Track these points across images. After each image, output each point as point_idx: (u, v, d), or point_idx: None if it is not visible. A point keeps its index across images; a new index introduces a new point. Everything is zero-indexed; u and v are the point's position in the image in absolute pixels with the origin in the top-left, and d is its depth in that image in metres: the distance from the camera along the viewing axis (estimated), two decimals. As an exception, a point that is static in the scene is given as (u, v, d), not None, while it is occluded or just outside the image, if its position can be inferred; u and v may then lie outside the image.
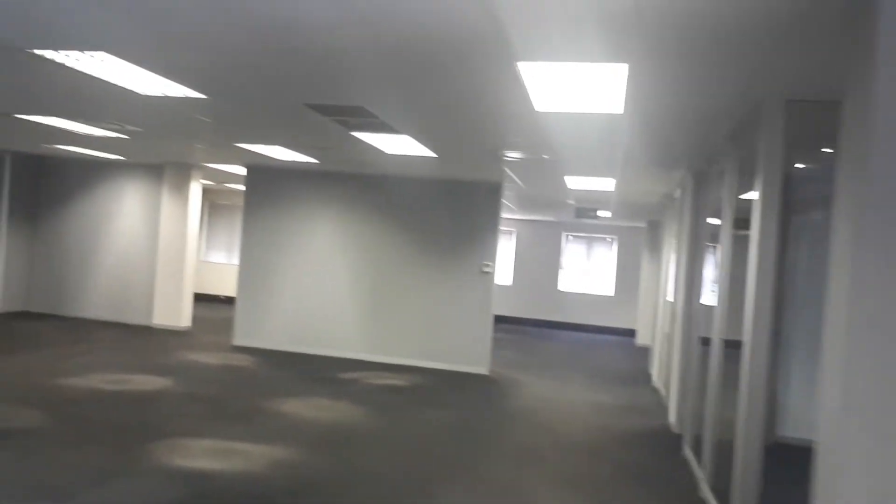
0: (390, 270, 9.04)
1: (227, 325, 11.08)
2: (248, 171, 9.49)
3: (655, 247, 12.55)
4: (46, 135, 7.77)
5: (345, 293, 9.16)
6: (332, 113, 5.13)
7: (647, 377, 9.54)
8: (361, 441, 5.45)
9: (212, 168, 10.32)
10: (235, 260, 15.17)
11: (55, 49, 3.86)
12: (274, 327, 9.37)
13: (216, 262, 15.13)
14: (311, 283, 9.26)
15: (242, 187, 13.48)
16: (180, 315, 10.34)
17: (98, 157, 9.88)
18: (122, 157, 9.88)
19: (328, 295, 9.20)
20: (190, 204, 10.32)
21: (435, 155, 6.71)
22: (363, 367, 8.52)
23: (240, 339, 9.47)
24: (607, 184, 7.99)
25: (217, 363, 8.04)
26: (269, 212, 9.43)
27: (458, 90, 4.12)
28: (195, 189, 10.43)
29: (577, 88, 3.79)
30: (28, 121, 6.79)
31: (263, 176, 9.42)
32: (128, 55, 3.91)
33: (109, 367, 7.26)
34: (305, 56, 3.66)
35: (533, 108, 4.37)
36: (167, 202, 10.34)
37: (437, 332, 8.89)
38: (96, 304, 10.73)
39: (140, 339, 9.22)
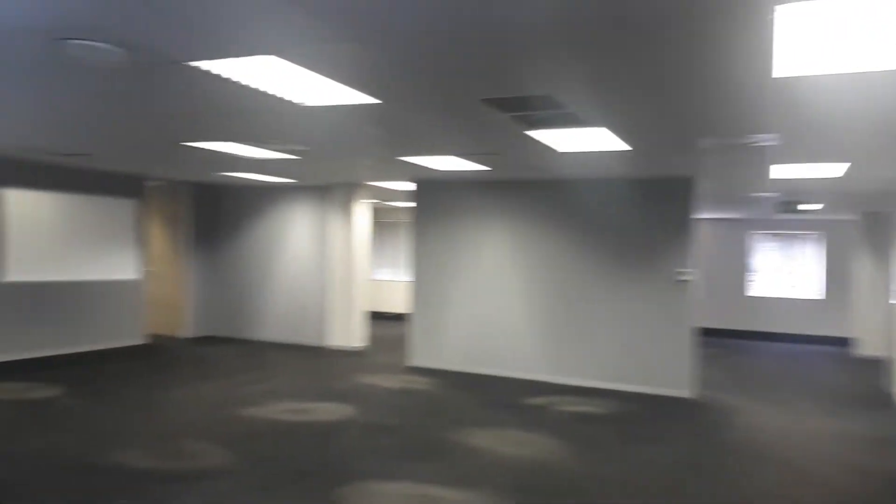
0: (572, 283, 8.22)
1: (399, 344, 10.80)
2: (416, 186, 9.08)
3: (878, 242, 10.75)
4: (217, 162, 7.77)
5: (524, 309, 8.45)
6: (512, 107, 4.44)
7: (886, 397, 7.97)
8: (572, 486, 4.67)
9: (376, 186, 10.07)
10: (401, 277, 15.08)
11: (220, 57, 3.47)
12: (450, 347, 8.85)
13: (383, 280, 15.05)
14: (488, 300, 8.65)
15: (405, 204, 13.35)
16: (353, 335, 10.14)
17: (269, 182, 9.94)
18: (291, 181, 9.86)
19: (506, 311, 8.55)
20: (357, 223, 10.11)
21: (629, 148, 5.83)
22: (548, 390, 7.75)
23: (415, 360, 9.05)
24: (834, 170, 6.69)
25: (395, 387, 7.62)
26: (440, 226, 8.95)
27: (677, 59, 3.28)
28: (361, 208, 10.22)
29: (849, 36, 2.82)
30: (197, 148, 6.72)
31: (431, 189, 8.98)
32: (299, 58, 3.45)
33: (289, 394, 7.03)
34: (489, 38, 3.03)
35: (770, 75, 3.45)
36: (335, 222, 10.21)
37: (628, 350, 7.93)
38: (273, 327, 10.82)
39: (316, 362, 9.07)
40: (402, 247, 14.90)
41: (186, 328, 10.92)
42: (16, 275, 8.44)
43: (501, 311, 8.57)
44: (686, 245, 7.72)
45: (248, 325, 11.02)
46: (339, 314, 10.18)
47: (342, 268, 10.15)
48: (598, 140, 5.48)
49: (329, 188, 10.38)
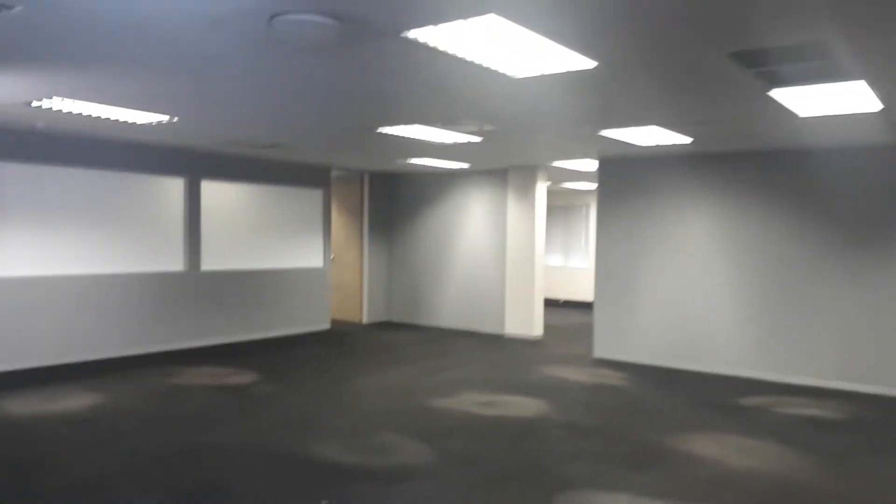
0: (792, 266, 7.22)
1: (577, 334, 10.24)
2: (600, 164, 8.45)
3: None
4: (404, 148, 7.61)
5: (731, 297, 7.57)
6: (762, 62, 3.74)
7: None
8: (825, 509, 3.93)
9: (552, 168, 9.53)
10: (572, 263, 14.45)
11: (438, 22, 3.12)
12: (641, 338, 8.17)
13: (554, 266, 14.52)
14: (686, 286, 7.86)
15: (578, 186, 12.71)
16: (532, 324, 9.72)
17: (444, 168, 9.74)
18: (466, 166, 9.58)
19: (709, 300, 7.71)
20: (536, 207, 9.65)
21: (881, 106, 4.86)
22: (763, 389, 6.86)
23: (600, 352, 8.46)
24: None
25: (585, 381, 7.10)
26: (628, 206, 8.26)
27: None
28: (540, 191, 9.74)
29: None
30: (389, 135, 6.56)
31: (618, 167, 8.30)
32: (520, 15, 3.02)
33: (476, 385, 6.74)
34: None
35: None
36: (513, 207, 9.82)
37: (865, 345, 6.83)
38: (449, 313, 10.67)
39: (495, 351, 8.75)
40: (571, 231, 14.27)
41: (364, 314, 11.06)
42: (211, 264, 8.86)
43: (703, 298, 7.74)
44: (937, 222, 6.48)
45: (425, 311, 10.96)
46: (517, 302, 9.80)
47: (520, 254, 9.75)
48: (848, 99, 4.60)
49: (505, 172, 10.00)
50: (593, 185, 12.76)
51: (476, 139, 6.82)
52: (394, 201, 11.36)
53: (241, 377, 6.97)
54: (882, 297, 6.71)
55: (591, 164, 9.13)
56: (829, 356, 6.99)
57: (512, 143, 7.22)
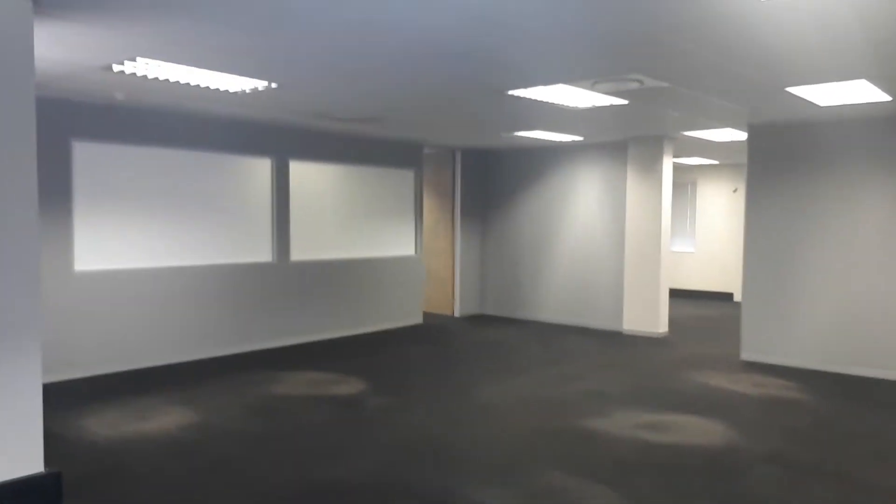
0: None
1: (706, 330, 9.04)
2: (751, 134, 7.17)
3: None
4: (523, 116, 6.50)
5: (920, 291, 6.26)
6: None
7: None
8: None
9: (683, 138, 8.29)
10: (676, 247, 13.13)
11: None
12: (801, 338, 6.91)
13: (675, 251, 13.19)
14: (860, 277, 6.56)
15: (686, 161, 11.38)
16: (656, 319, 8.54)
17: (550, 141, 8.59)
18: (579, 138, 8.42)
19: (889, 293, 6.41)
20: (663, 184, 8.44)
21: None
22: (981, 404, 5.58)
23: (750, 353, 7.24)
24: None
25: (752, 393, 5.91)
26: (787, 184, 6.98)
27: None
28: (667, 166, 8.52)
29: None
30: (520, 98, 5.47)
31: (776, 136, 7.00)
32: None
33: (624, 399, 5.64)
34: None
35: None
36: (633, 185, 8.62)
37: None
38: (555, 306, 9.56)
39: (622, 352, 7.61)
40: (676, 212, 12.94)
41: (457, 306, 10.05)
42: (300, 254, 7.96)
43: (882, 290, 6.44)
44: None
45: (525, 303, 9.88)
46: (638, 294, 8.63)
47: (643, 239, 8.56)
48: None
49: (624, 145, 8.80)
50: (703, 160, 11.41)
51: (622, 101, 5.68)
52: (488, 181, 10.27)
53: (347, 386, 6.03)
54: None
55: (730, 135, 7.85)
56: None
57: (662, 106, 6.03)
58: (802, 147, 6.85)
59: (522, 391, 5.93)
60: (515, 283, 9.98)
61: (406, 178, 9.17)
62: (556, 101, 5.63)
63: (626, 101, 5.65)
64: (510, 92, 5.27)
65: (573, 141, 8.73)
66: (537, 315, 9.72)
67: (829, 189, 6.72)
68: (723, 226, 12.29)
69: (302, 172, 7.94)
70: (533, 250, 9.76)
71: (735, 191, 12.19)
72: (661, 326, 8.56)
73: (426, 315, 9.89)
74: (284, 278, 7.77)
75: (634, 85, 4.89)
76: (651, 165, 8.44)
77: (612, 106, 5.90)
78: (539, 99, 5.52)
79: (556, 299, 9.54)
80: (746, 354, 7.26)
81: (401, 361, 7.07)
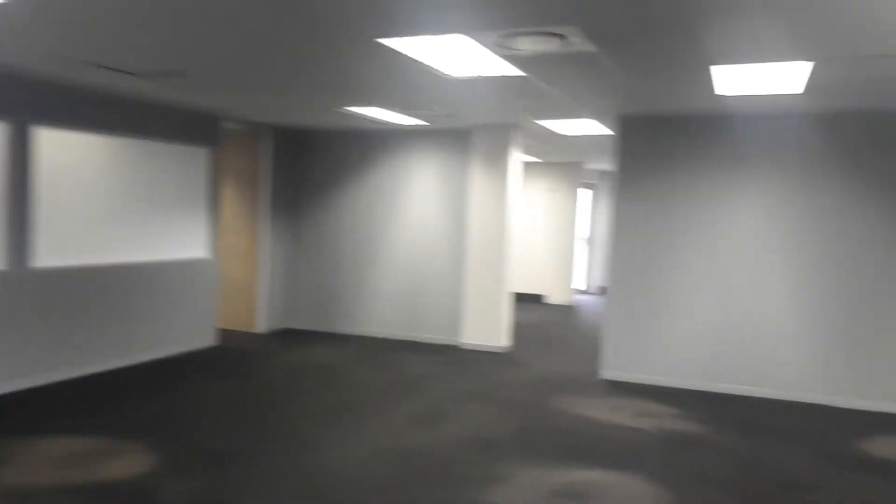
0: (872, 259, 5.66)
1: (550, 341, 8.25)
2: (621, 127, 6.38)
3: None
4: (378, 77, 5.02)
5: (792, 296, 5.89)
6: None
7: None
8: None
9: (535, 128, 7.37)
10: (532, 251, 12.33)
11: None
12: (673, 354, 6.28)
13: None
14: (732, 289, 6.06)
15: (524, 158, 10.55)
16: (498, 331, 7.54)
17: (384, 123, 7.18)
18: (422, 122, 7.11)
19: (762, 305, 5.97)
20: (508, 181, 7.43)
21: None
22: (860, 421, 5.24)
23: (611, 371, 6.48)
24: None
25: (645, 427, 5.05)
26: (657, 186, 6.30)
27: None
28: (515, 159, 7.53)
29: None
30: (390, 51, 3.99)
31: (647, 131, 6.28)
32: None
33: (511, 449, 4.45)
34: None
35: None
36: (477, 180, 7.52)
37: (967, 364, 5.44)
38: (382, 318, 8.18)
39: (469, 373, 6.46)
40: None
41: (260, 320, 8.24)
42: (47, 258, 5.69)
43: (754, 302, 6.00)
44: None
45: (346, 315, 8.37)
46: (480, 303, 7.56)
47: (487, 240, 7.50)
48: None
49: (467, 133, 7.65)
50: (527, 158, 10.76)
51: (518, 73, 4.45)
52: (305, 168, 8.56)
53: (123, 461, 4.09)
54: None
55: (590, 127, 7.07)
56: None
57: (559, 80, 4.92)
58: (677, 146, 6.20)
59: (375, 443, 4.47)
60: (334, 292, 8.41)
61: (197, 157, 7.15)
62: (434, 64, 4.25)
63: (523, 73, 4.44)
64: (381, 40, 3.78)
65: (414, 125, 7.40)
66: (361, 328, 8.26)
67: (699, 193, 6.14)
68: (538, 226, 11.79)
69: (53, 144, 5.66)
70: (357, 252, 8.27)
71: (552, 191, 11.74)
72: (502, 339, 7.57)
73: (221, 333, 7.92)
74: (22, 292, 5.46)
75: (555, 45, 3.66)
76: (497, 158, 7.40)
77: (502, 77, 4.65)
78: (417, 58, 4.10)
79: (383, 310, 8.16)
80: (608, 373, 6.49)
81: (197, 407, 5.21)
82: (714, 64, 4.13)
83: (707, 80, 4.58)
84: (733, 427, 5.09)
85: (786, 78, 4.39)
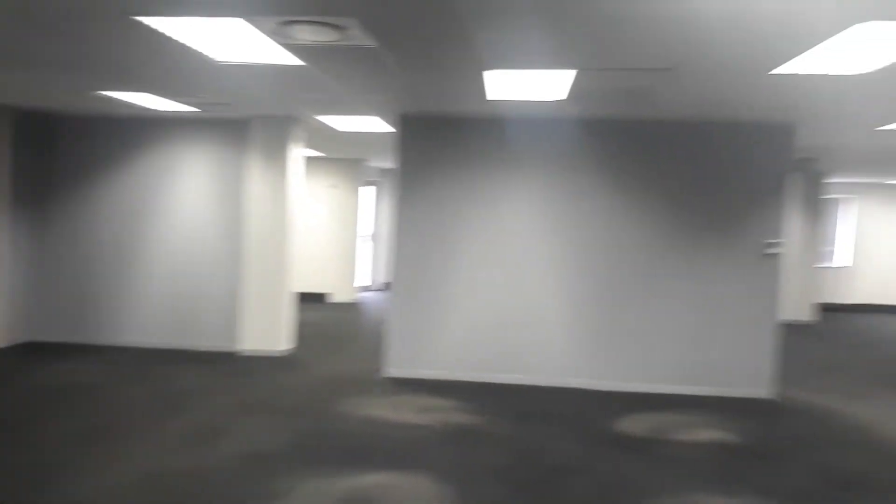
0: (626, 258, 6.28)
1: (331, 339, 8.11)
2: (402, 125, 6.40)
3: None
4: (138, 58, 4.51)
5: (558, 291, 6.34)
6: None
7: (930, 378, 7.25)
8: None
9: (318, 124, 7.17)
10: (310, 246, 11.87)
11: None
12: (452, 348, 6.46)
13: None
14: (505, 280, 6.38)
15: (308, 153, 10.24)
16: (279, 334, 7.24)
17: (148, 110, 6.53)
18: (192, 109, 6.57)
19: (532, 295, 6.36)
20: (289, 176, 7.15)
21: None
22: (618, 403, 5.79)
23: (396, 369, 6.52)
24: None
25: (425, 422, 5.11)
26: (437, 182, 6.42)
27: None
28: (296, 153, 7.25)
29: None
30: (149, 31, 3.59)
31: (426, 129, 6.37)
32: None
33: (294, 460, 4.26)
34: None
35: None
36: (256, 175, 7.13)
37: (696, 343, 6.24)
38: (148, 325, 7.45)
39: (249, 382, 6.12)
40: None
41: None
42: None
43: (524, 295, 6.37)
44: (779, 209, 6.15)
45: (104, 324, 7.49)
46: (259, 305, 7.18)
47: (265, 239, 7.14)
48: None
49: (245, 123, 7.20)
50: (310, 152, 10.50)
51: (297, 62, 4.24)
52: (55, 157, 7.49)
53: None
54: (712, 291, 6.18)
55: (372, 124, 7.03)
56: (663, 358, 6.26)
57: (341, 71, 4.77)
58: (455, 146, 6.37)
59: (142, 468, 4.01)
60: (90, 297, 7.49)
61: None
62: (201, 48, 3.89)
63: (302, 62, 4.23)
64: (140, 18, 3.37)
65: (184, 113, 6.80)
66: (123, 338, 7.45)
67: (477, 193, 6.37)
68: (321, 224, 11.57)
69: None
70: (117, 253, 7.44)
71: (334, 187, 11.58)
72: (284, 343, 7.28)
73: (-57, 350, 6.68)
74: None
75: (334, 36, 3.53)
76: (277, 151, 7.08)
77: (279, 67, 4.39)
78: (180, 40, 3.72)
79: (149, 316, 7.43)
80: (392, 370, 6.51)
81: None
82: (487, 69, 4.27)
83: (480, 84, 4.73)
84: (509, 416, 5.34)
85: (551, 85, 4.68)
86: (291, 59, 4.14)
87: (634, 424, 5.24)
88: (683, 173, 6.18)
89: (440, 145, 6.37)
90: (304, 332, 8.35)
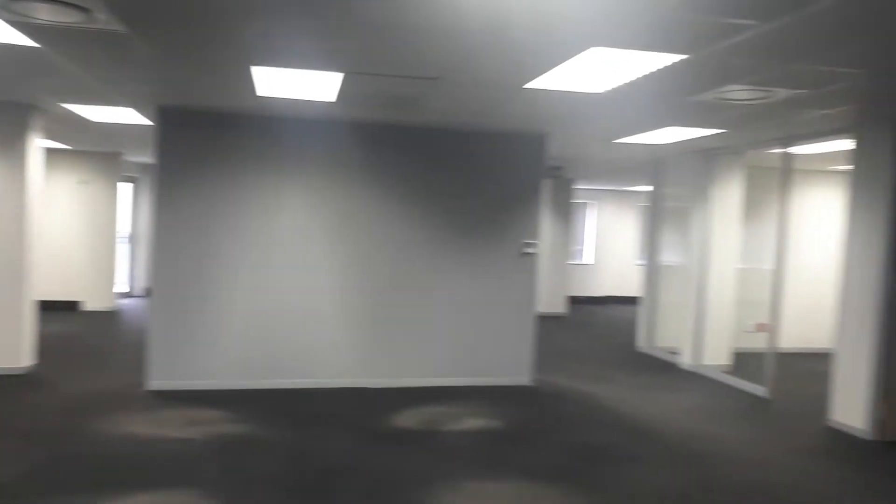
0: (398, 257, 6.45)
1: (91, 353, 7.36)
2: (160, 119, 5.95)
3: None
4: None
5: (332, 291, 6.34)
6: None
7: (653, 358, 8.41)
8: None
9: (63, 112, 6.42)
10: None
11: None
12: (222, 356, 6.16)
13: None
14: (277, 282, 6.23)
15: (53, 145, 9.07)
16: (18, 349, 6.38)
17: None
18: None
19: (305, 296, 6.29)
20: (28, 171, 6.32)
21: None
22: (389, 400, 5.94)
23: (159, 381, 6.06)
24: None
25: (195, 436, 4.82)
26: (203, 179, 6.07)
27: None
28: (36, 146, 6.42)
29: None
30: None
31: (195, 124, 5.99)
32: None
33: (31, 490, 3.77)
34: None
35: None
36: (-17, 167, 6.20)
37: (465, 337, 6.61)
38: None
39: (-16, 407, 5.32)
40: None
41: None
42: None
43: (295, 297, 6.27)
44: (533, 212, 6.71)
45: None
46: (-9, 318, 6.26)
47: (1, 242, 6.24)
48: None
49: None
50: (54, 144, 9.39)
51: (31, 44, 3.74)
52: None
53: None
54: (475, 288, 6.59)
55: (126, 116, 6.45)
56: (432, 353, 6.55)
57: (92, 59, 4.28)
58: (224, 142, 6.07)
59: None
60: None
61: None
62: None
63: (36, 44, 3.74)
64: None
65: None
66: None
67: (248, 191, 6.14)
68: (71, 224, 10.37)
69: None
70: None
71: (84, 183, 10.44)
72: (24, 359, 6.42)
73: None
74: None
75: (76, 17, 3.18)
76: (12, 142, 6.22)
77: (11, 47, 3.84)
78: None
79: None
80: (155, 383, 6.04)
81: None
82: (254, 64, 4.14)
83: (249, 80, 4.57)
84: (283, 422, 5.22)
85: (320, 85, 4.66)
86: (25, 41, 3.66)
87: (407, 419, 5.41)
88: (451, 177, 6.51)
89: (206, 141, 6.04)
90: (52, 345, 7.42)
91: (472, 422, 5.40)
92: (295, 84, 4.63)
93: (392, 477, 4.19)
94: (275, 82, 4.60)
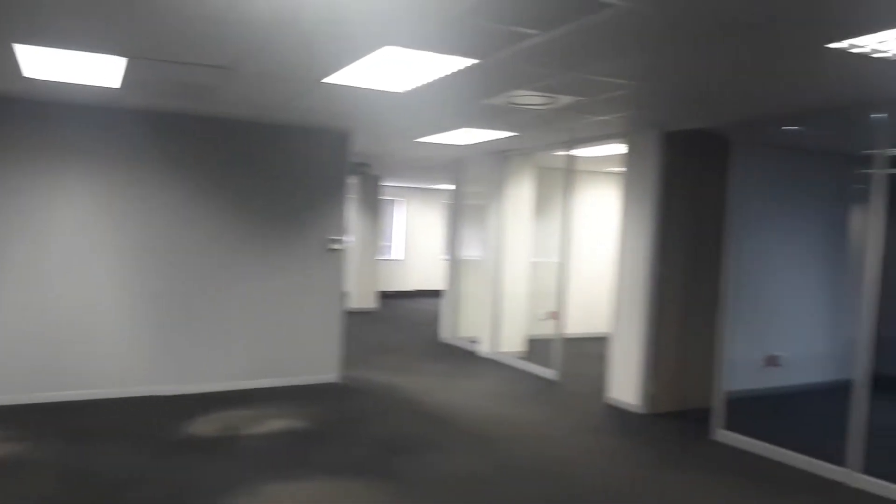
0: (194, 255, 6.10)
1: None
2: None
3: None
4: None
5: (118, 294, 5.85)
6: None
7: (454, 348, 8.79)
8: None
9: None
10: None
11: None
12: (-15, 370, 5.44)
13: None
14: (52, 285, 5.62)
15: None
16: None
17: None
18: None
19: (86, 299, 5.74)
20: None
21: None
22: (188, 406, 5.62)
23: None
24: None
25: (-53, 463, 4.22)
26: (-43, 171, 5.31)
27: None
28: None
29: None
30: None
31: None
32: None
33: None
34: None
35: None
36: None
37: (268, 337, 6.43)
38: None
39: None
40: None
41: None
42: None
43: (88, 302, 5.72)
44: (338, 209, 6.67)
45: None
46: None
47: None
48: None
49: None
50: None
51: None
52: None
53: None
54: (274, 285, 6.45)
55: None
56: (234, 355, 6.31)
57: None
58: (6, 127, 5.36)
59: None
60: None
61: None
62: None
63: None
64: None
65: None
66: None
67: (16, 184, 5.47)
68: None
69: None
70: None
71: None
72: None
73: None
74: None
75: None
76: None
77: None
78: None
79: None
80: None
81: None
82: (17, 42, 3.70)
83: (13, 59, 4.08)
84: (59, 438, 4.74)
85: (100, 70, 4.28)
86: None
87: (205, 425, 5.15)
88: (252, 172, 6.29)
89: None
90: None
91: (274, 423, 5.28)
92: (70, 66, 4.20)
93: (187, 486, 3.97)
94: (45, 63, 4.15)
